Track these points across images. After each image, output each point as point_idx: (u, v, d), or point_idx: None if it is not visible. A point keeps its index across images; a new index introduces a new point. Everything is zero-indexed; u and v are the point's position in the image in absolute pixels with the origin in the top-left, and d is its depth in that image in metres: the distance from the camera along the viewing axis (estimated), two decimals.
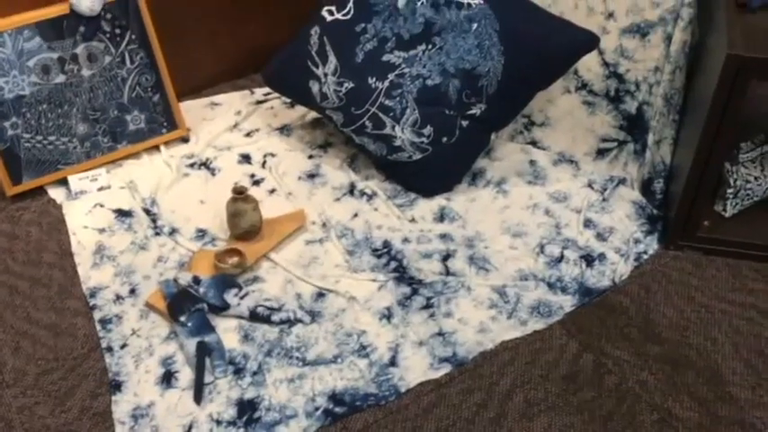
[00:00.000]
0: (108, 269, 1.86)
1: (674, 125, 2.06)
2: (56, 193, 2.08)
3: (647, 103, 2.06)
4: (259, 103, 2.38)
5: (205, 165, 2.17)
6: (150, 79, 2.13)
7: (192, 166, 2.17)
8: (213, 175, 2.14)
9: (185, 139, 2.24)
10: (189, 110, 2.32)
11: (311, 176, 2.13)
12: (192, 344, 1.66)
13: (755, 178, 1.91)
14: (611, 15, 2.00)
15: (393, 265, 1.87)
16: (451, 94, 1.95)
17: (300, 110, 2.31)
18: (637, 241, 1.93)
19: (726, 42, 1.68)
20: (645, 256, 1.90)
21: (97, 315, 1.76)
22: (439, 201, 2.04)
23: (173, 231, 1.97)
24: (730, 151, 1.86)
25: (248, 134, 2.28)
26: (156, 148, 2.21)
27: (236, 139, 2.26)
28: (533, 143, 2.21)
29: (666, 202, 2.02)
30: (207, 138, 2.25)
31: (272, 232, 1.92)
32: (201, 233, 1.96)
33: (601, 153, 2.15)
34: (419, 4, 1.92)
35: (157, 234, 1.96)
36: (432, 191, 2.06)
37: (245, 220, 1.86)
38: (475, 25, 1.91)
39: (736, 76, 1.66)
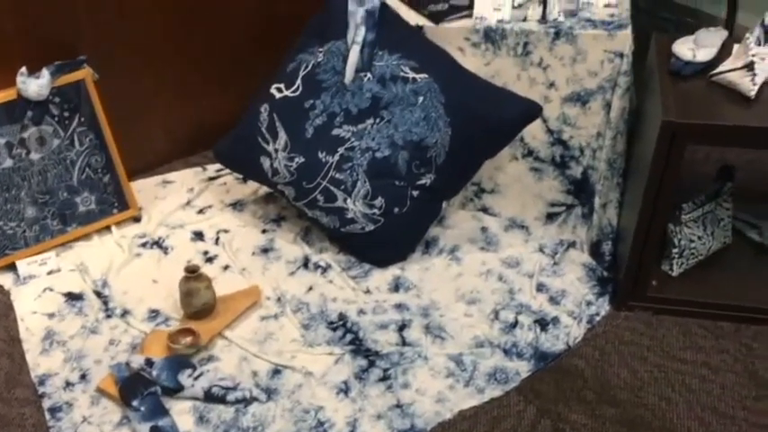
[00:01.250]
0: (58, 355, 1.82)
1: (619, 188, 2.12)
2: (3, 279, 2.05)
3: (591, 167, 2.12)
4: (211, 179, 2.39)
5: (157, 244, 2.16)
6: (100, 160, 2.13)
7: (144, 245, 2.15)
8: (166, 253, 2.12)
9: (137, 219, 2.23)
10: (141, 189, 2.32)
11: (265, 251, 2.13)
12: (145, 429, 1.62)
13: (699, 237, 1.97)
14: (552, 85, 2.07)
15: (349, 337, 1.86)
16: (401, 165, 1.98)
17: (253, 185, 2.32)
18: (589, 303, 1.96)
19: (660, 109, 1.75)
20: (597, 318, 1.92)
21: (46, 403, 1.71)
22: (393, 271, 2.06)
23: (124, 313, 1.94)
24: (672, 212, 1.91)
25: (201, 211, 2.28)
26: (108, 228, 2.19)
27: (189, 216, 2.26)
28: (484, 210, 2.25)
29: (615, 263, 2.06)
30: (159, 216, 2.24)
31: (227, 309, 1.91)
32: (154, 314, 1.93)
33: (550, 217, 2.20)
34: (366, 79, 1.97)
35: (109, 317, 1.93)
36: (386, 261, 2.07)
37: (198, 299, 1.85)
38: (421, 98, 1.96)
39: (672, 141, 1.73)
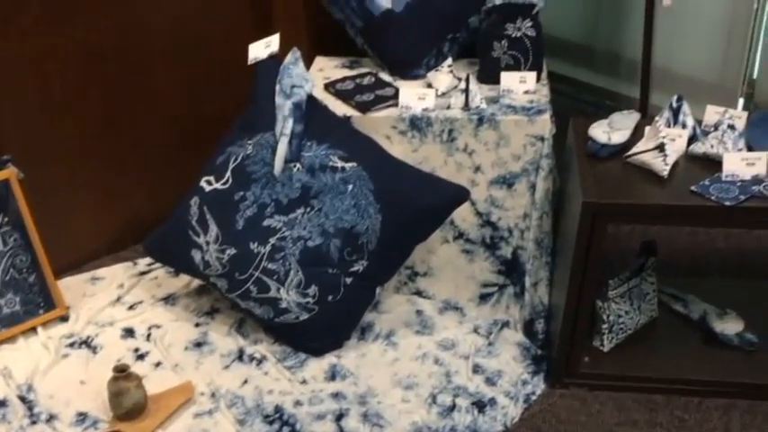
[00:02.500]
0: None
1: (548, 267, 2.17)
2: None
3: (520, 247, 2.17)
4: (142, 273, 2.36)
5: (86, 343, 2.10)
6: (25, 260, 2.09)
7: (71, 345, 2.09)
8: (95, 353, 2.06)
9: (64, 318, 2.17)
10: (69, 287, 2.27)
11: (198, 345, 2.09)
12: None
13: (626, 312, 2.02)
14: (478, 169, 2.13)
15: (286, 430, 1.83)
16: (333, 253, 1.99)
17: (185, 278, 2.29)
18: (524, 383, 1.97)
19: (580, 190, 1.81)
20: (533, 397, 1.93)
21: None
22: (329, 359, 2.04)
23: (50, 418, 1.86)
24: (599, 289, 1.96)
25: (131, 307, 2.23)
26: (33, 329, 2.12)
27: (119, 313, 2.21)
28: (419, 293, 2.26)
29: (549, 341, 2.09)
30: (88, 315, 2.19)
31: (158, 408, 1.85)
32: (82, 417, 1.87)
33: (483, 298, 2.23)
34: (295, 170, 2.00)
35: (34, 423, 1.85)
36: (321, 350, 2.06)
37: (127, 399, 1.79)
38: (350, 186, 1.99)
39: (593, 221, 1.79)
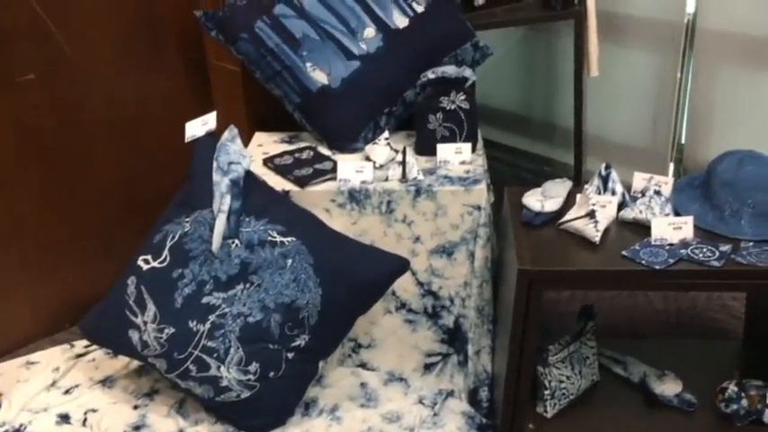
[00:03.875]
0: None
1: (490, 334, 2.18)
2: None
3: (462, 316, 2.19)
4: (79, 356, 2.30)
5: None
6: None
7: None
8: None
9: None
10: (2, 373, 2.20)
11: (137, 428, 2.03)
12: None
13: (568, 377, 2.03)
14: (418, 239, 2.15)
15: None
16: (274, 328, 1.98)
17: (124, 359, 2.24)
18: None
19: (516, 258, 1.84)
20: None
21: None
22: None
23: None
24: (540, 355, 1.98)
25: (67, 391, 2.17)
26: None
27: (55, 398, 2.14)
28: (362, 365, 2.25)
29: (493, 409, 2.09)
30: (21, 401, 2.12)
31: None
32: None
33: (428, 368, 2.23)
34: (234, 246, 2.00)
35: None
36: (264, 427, 2.02)
37: None
38: (290, 261, 2.00)
39: (530, 288, 1.82)
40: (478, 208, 2.11)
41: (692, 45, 2.70)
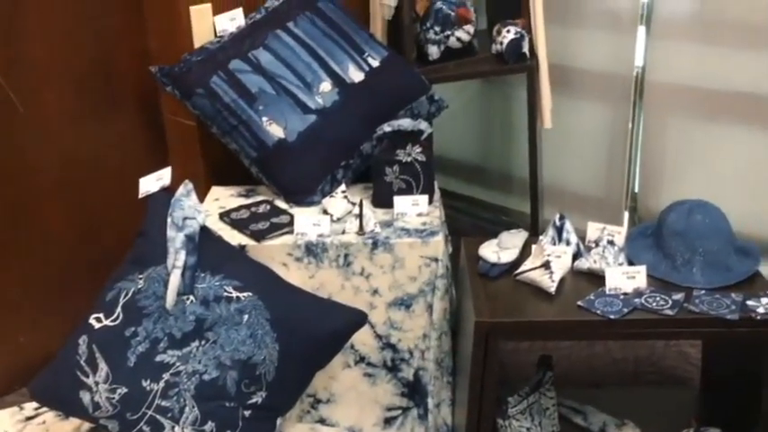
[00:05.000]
0: None
1: (450, 386, 2.17)
2: None
3: (422, 368, 2.17)
4: (29, 419, 2.23)
5: None
6: None
7: None
8: None
9: None
10: None
11: None
12: None
13: (527, 429, 2.02)
14: (376, 292, 2.14)
15: None
16: (230, 386, 1.94)
17: (75, 421, 2.17)
18: None
19: (473, 310, 1.85)
20: None
21: None
22: None
23: None
24: (499, 407, 1.97)
25: None
26: None
27: None
28: (322, 421, 2.22)
29: None
30: None
31: None
32: None
33: (388, 422, 2.20)
34: (188, 302, 1.97)
35: None
36: None
37: None
38: (246, 316, 1.97)
39: (487, 339, 1.82)
40: (436, 260, 2.12)
41: (641, 97, 2.77)
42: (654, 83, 2.72)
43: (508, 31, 2.55)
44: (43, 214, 2.30)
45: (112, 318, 1.97)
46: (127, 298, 1.98)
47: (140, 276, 2.00)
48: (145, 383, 1.92)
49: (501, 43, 2.56)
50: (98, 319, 1.98)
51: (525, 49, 2.57)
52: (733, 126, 2.59)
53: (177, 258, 1.97)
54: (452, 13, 2.56)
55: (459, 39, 2.60)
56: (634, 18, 2.70)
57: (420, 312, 2.15)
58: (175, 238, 1.98)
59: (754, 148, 2.55)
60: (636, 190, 2.93)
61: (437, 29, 2.57)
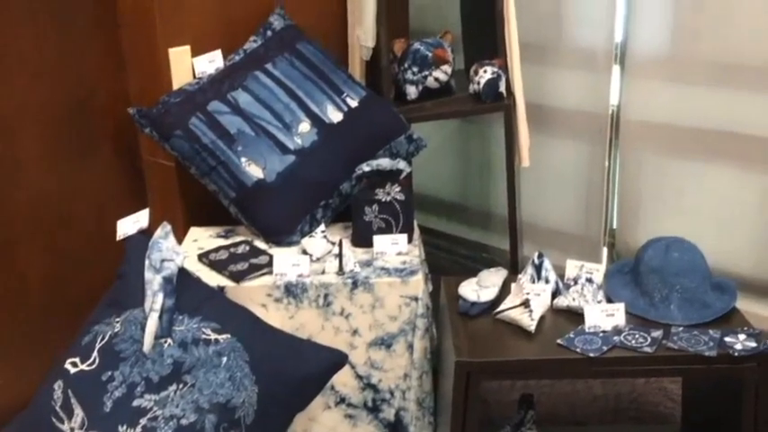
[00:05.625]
0: None
1: (431, 426, 2.15)
2: None
3: (403, 408, 2.15)
4: None
5: None
6: None
7: None
8: None
9: None
10: None
11: None
12: None
13: None
14: (356, 332, 2.13)
15: None
16: (208, 430, 1.91)
17: None
18: None
19: (453, 349, 1.84)
20: None
21: None
22: None
23: None
24: None
25: None
26: None
27: None
28: None
29: None
30: None
31: None
32: None
33: None
34: (166, 345, 1.94)
35: None
36: None
37: None
38: (225, 359, 1.95)
39: (468, 378, 1.81)
40: (416, 299, 2.12)
41: (617, 135, 2.81)
42: (629, 121, 2.76)
43: (485, 71, 2.59)
44: (17, 257, 2.27)
45: (89, 362, 1.95)
46: (103, 342, 1.96)
47: (117, 320, 1.98)
48: (121, 429, 1.88)
49: (478, 83, 2.59)
50: (74, 364, 1.95)
51: (502, 88, 2.61)
52: (707, 163, 2.63)
53: (155, 301, 1.95)
54: (430, 54, 2.60)
55: (436, 79, 2.63)
56: (609, 58, 2.75)
57: (401, 352, 2.14)
58: (153, 281, 1.97)
59: (728, 185, 2.59)
60: (614, 226, 2.96)
61: (415, 69, 2.60)
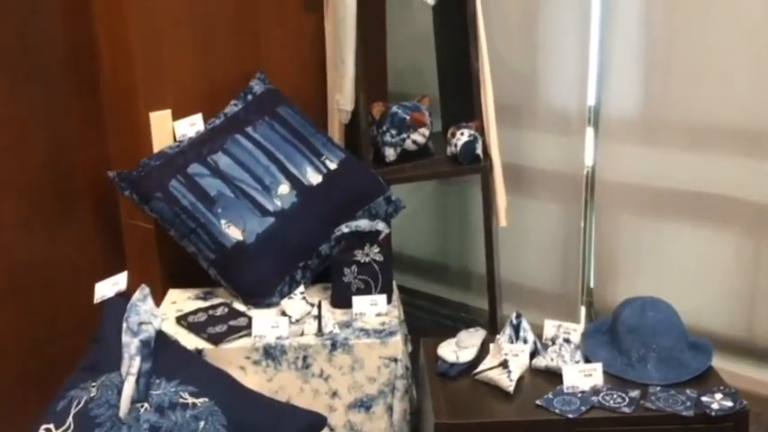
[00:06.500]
0: None
1: None
2: None
3: None
4: None
5: None
6: None
7: None
8: None
9: None
10: None
11: None
12: None
13: None
14: (335, 394, 2.12)
15: None
16: None
17: None
18: None
19: (432, 411, 1.84)
20: None
21: None
22: None
23: None
24: None
25: None
26: None
27: None
28: None
29: None
30: None
31: None
32: None
33: None
34: (143, 410, 1.92)
35: None
36: None
37: None
38: (202, 423, 1.92)
39: None
40: (395, 360, 2.11)
41: (592, 195, 2.85)
42: (604, 181, 2.81)
43: (462, 134, 2.64)
44: None
45: (63, 428, 1.91)
46: (79, 407, 1.93)
47: (93, 384, 1.96)
48: None
49: (455, 145, 2.64)
50: (48, 430, 1.92)
51: (479, 150, 2.65)
52: (681, 222, 2.67)
53: (132, 365, 1.93)
54: (408, 117, 2.64)
55: (414, 141, 2.67)
56: (582, 120, 2.81)
57: (380, 414, 2.13)
58: (130, 344, 1.95)
59: (702, 244, 2.63)
60: (591, 285, 2.98)
61: (393, 132, 2.64)
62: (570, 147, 2.85)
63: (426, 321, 3.20)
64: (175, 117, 2.41)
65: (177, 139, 2.41)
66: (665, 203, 2.69)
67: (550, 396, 1.88)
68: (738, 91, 2.46)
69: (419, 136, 2.68)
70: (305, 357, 2.11)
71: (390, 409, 2.12)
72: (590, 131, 2.81)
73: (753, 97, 2.43)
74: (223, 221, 2.30)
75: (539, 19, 2.82)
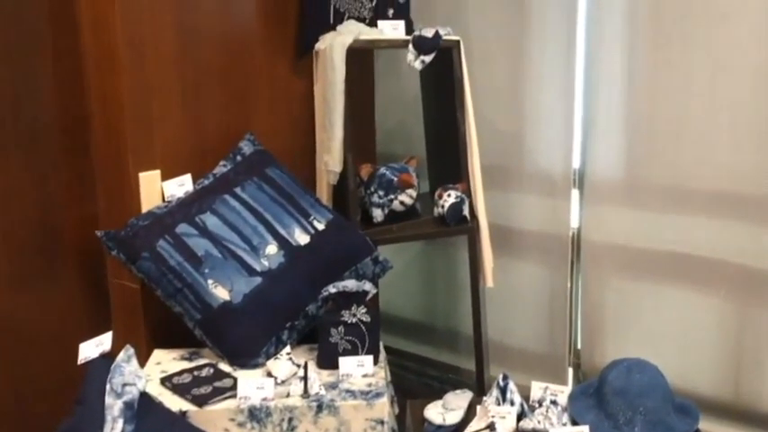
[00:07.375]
0: None
1: None
2: None
3: None
4: None
5: None
6: None
7: None
8: None
9: None
10: None
11: None
12: None
13: None
14: None
15: None
16: None
17: None
18: None
19: None
20: None
21: None
22: None
23: None
24: None
25: None
26: None
27: None
28: None
29: None
30: None
31: None
32: None
33: None
34: None
35: None
36: None
37: None
38: None
39: None
40: (381, 422, 2.09)
41: (578, 256, 2.87)
42: (590, 242, 2.83)
43: (449, 195, 2.66)
44: None
45: None
46: None
47: None
48: None
49: (442, 206, 2.66)
50: None
51: (466, 211, 2.68)
52: (666, 283, 2.68)
53: (114, 427, 1.90)
54: (395, 179, 2.67)
55: (402, 202, 2.69)
56: (568, 182, 2.85)
57: None
58: (113, 406, 1.93)
59: (686, 305, 2.64)
60: (579, 346, 2.97)
61: (381, 193, 2.67)
62: (556, 208, 2.88)
63: (413, 382, 3.18)
64: (164, 177, 2.43)
65: (166, 199, 2.43)
66: (650, 264, 2.71)
67: None
68: (720, 154, 2.50)
69: (406, 197, 2.70)
70: (290, 419, 2.08)
71: None
72: (575, 193, 2.85)
73: (734, 160, 2.48)
74: (210, 281, 2.30)
75: (524, 83, 2.88)
